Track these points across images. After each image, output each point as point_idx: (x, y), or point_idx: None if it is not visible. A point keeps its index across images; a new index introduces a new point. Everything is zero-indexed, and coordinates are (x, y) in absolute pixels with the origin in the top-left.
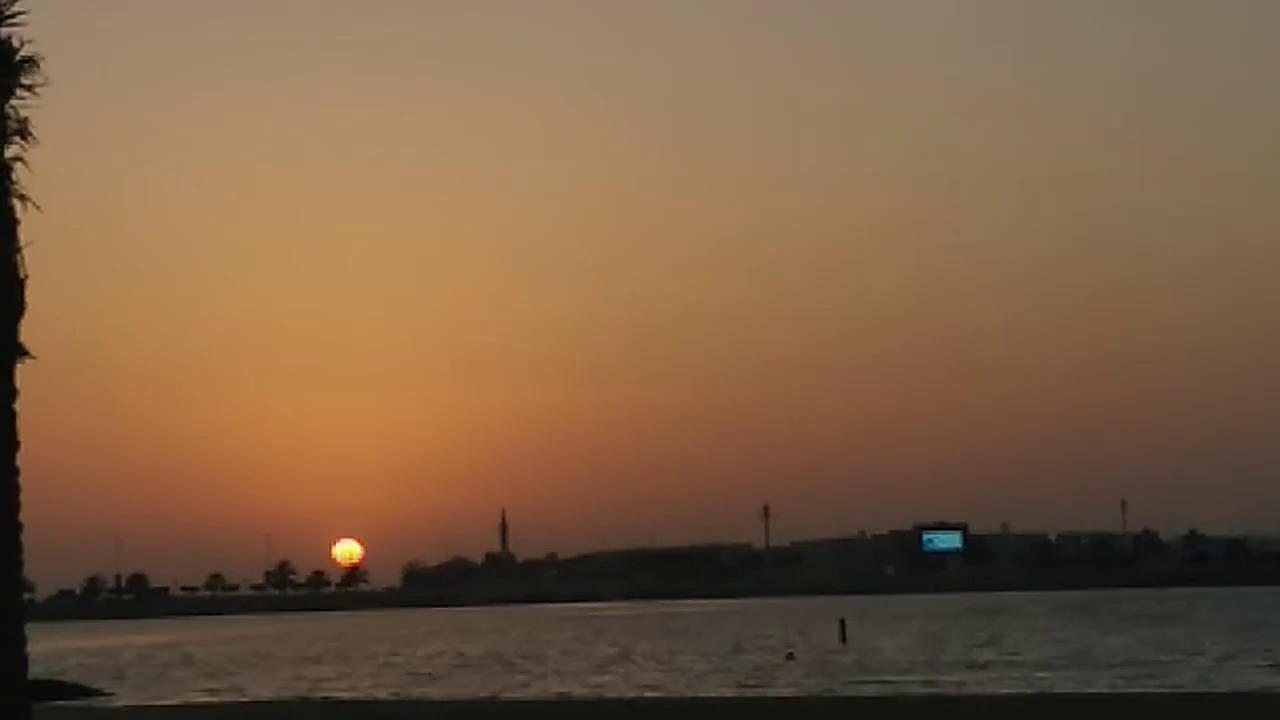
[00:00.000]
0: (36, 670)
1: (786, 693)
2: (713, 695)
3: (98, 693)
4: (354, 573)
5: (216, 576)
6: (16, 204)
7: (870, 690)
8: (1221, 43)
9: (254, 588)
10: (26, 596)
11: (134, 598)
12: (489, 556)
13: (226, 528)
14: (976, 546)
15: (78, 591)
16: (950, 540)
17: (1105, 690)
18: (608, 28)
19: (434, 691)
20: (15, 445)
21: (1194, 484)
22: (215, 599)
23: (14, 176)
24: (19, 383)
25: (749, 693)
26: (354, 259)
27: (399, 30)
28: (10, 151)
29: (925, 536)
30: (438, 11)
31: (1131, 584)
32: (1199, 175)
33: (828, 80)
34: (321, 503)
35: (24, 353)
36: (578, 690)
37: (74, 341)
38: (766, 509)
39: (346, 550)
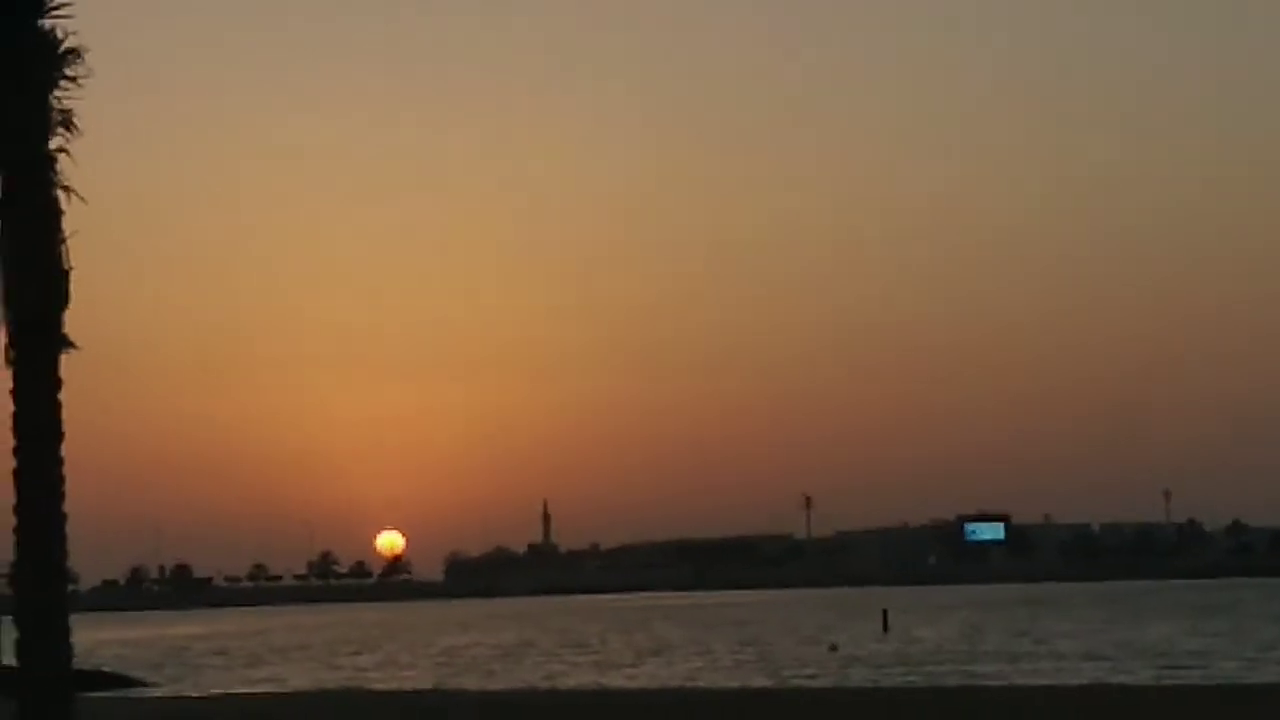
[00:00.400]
0: (80, 660)
1: (829, 684)
2: (754, 685)
3: (140, 683)
4: (396, 563)
5: (259, 567)
6: (60, 195)
7: (912, 682)
8: (1246, 39)
9: (297, 578)
10: (70, 587)
11: (177, 588)
12: (531, 547)
13: (269, 518)
14: (1019, 537)
15: (121, 582)
16: (993, 531)
17: (1142, 682)
18: (648, 32)
19: (470, 683)
20: (59, 436)
21: (1238, 474)
22: (258, 589)
23: (58, 168)
24: (63, 373)
25: (791, 684)
26: (397, 250)
27: (444, 25)
28: (54, 143)
29: (968, 527)
30: (479, 9)
31: (1175, 575)
32: (1242, 166)
33: (855, 70)
34: (364, 493)
35: (69, 344)
36: (617, 681)
37: (117, 333)
38: (809, 499)
39: (389, 541)
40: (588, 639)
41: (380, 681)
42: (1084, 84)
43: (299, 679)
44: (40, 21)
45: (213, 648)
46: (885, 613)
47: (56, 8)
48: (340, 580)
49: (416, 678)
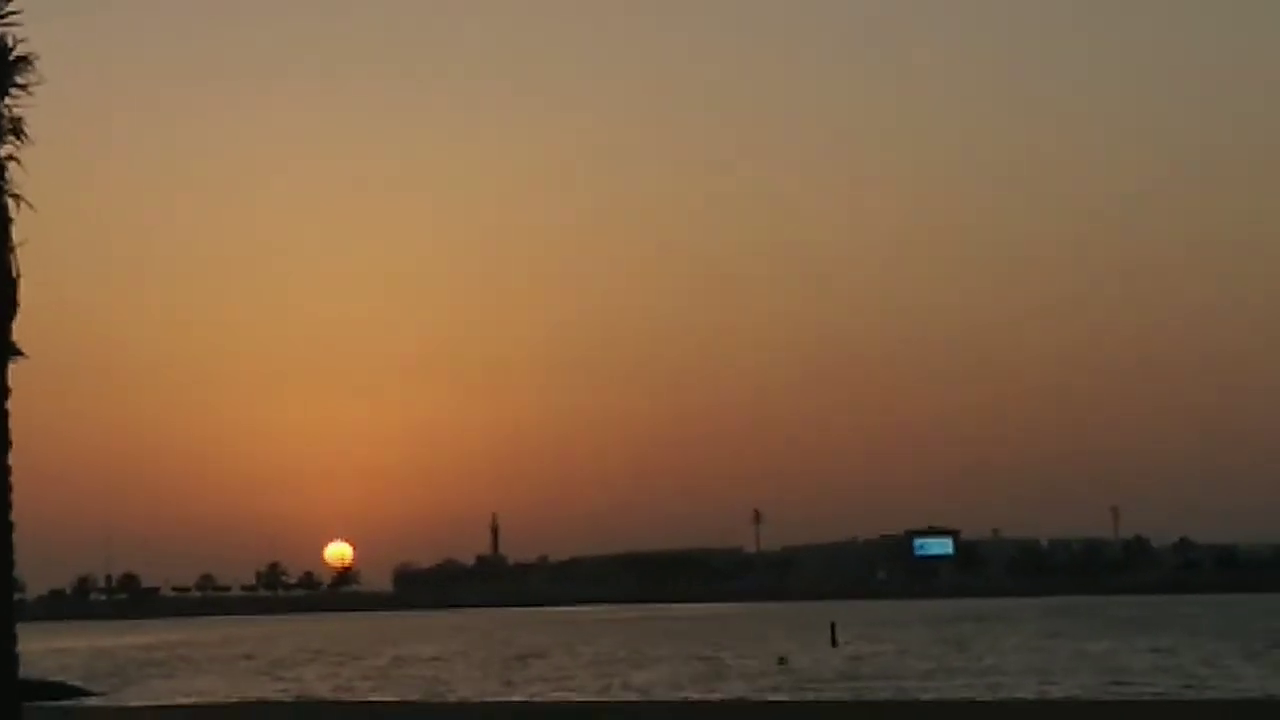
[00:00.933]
0: (27, 670)
1: (779, 697)
2: (704, 699)
3: (88, 692)
4: (345, 574)
5: (207, 577)
6: (10, 203)
7: (859, 695)
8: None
9: (245, 589)
10: (17, 596)
11: (125, 598)
12: (480, 559)
13: (218, 528)
14: (968, 552)
15: (68, 591)
16: (942, 546)
17: (1085, 696)
18: (647, 43)
19: (410, 694)
20: (7, 444)
21: (1185, 492)
22: (206, 599)
23: (7, 175)
24: (11, 382)
25: (741, 696)
26: (348, 265)
27: (417, 33)
28: (4, 150)
29: (917, 542)
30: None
31: (1122, 590)
32: (1189, 179)
33: (841, 83)
34: (313, 504)
35: (16, 352)
36: (572, 695)
37: (67, 341)
38: (758, 513)
39: (338, 552)
40: (539, 651)
41: (324, 692)
42: (1051, 82)
43: (242, 689)
44: None
45: (159, 658)
46: (833, 626)
47: (4, 16)
48: (289, 591)
49: (359, 689)
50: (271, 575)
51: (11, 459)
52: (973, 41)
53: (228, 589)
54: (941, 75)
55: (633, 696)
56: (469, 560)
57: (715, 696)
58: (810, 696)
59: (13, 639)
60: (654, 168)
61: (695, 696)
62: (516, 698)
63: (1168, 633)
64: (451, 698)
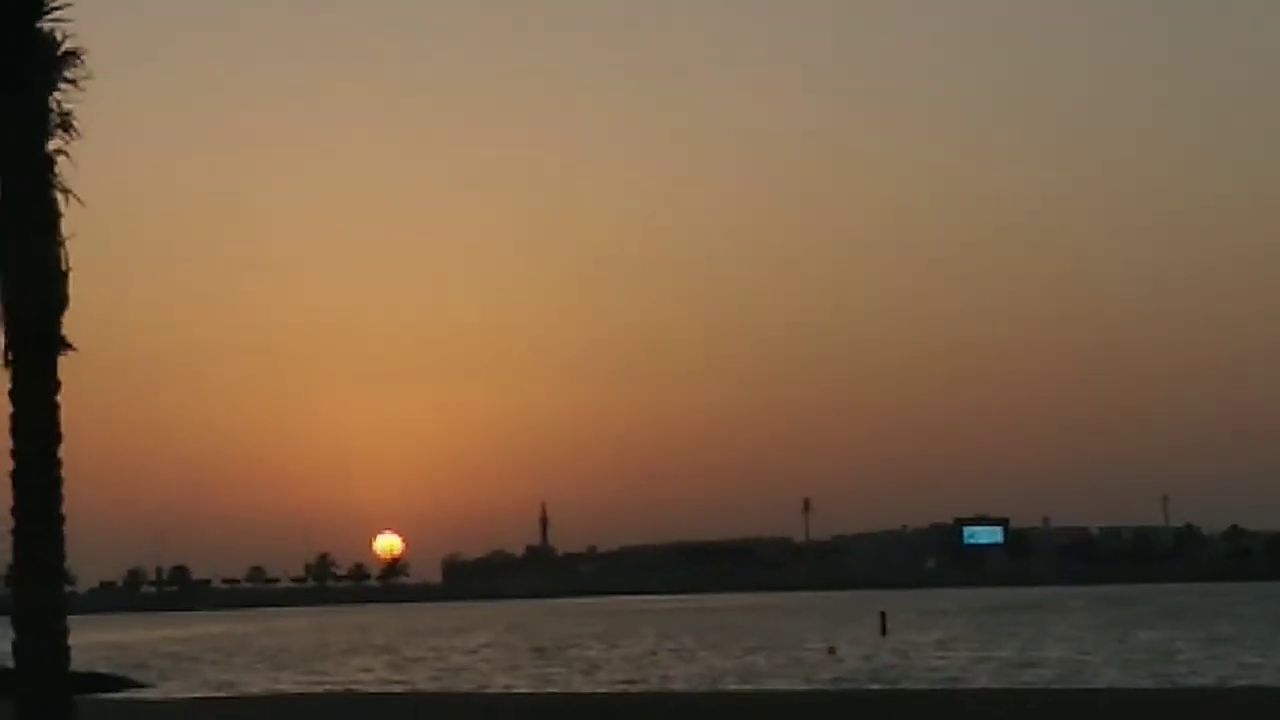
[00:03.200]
0: (78, 662)
1: (827, 686)
2: (753, 689)
3: (138, 684)
4: (394, 566)
5: (257, 569)
6: (60, 198)
7: (908, 685)
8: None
9: (295, 580)
10: (68, 589)
11: (176, 590)
12: (529, 549)
13: (267, 520)
14: (1017, 540)
15: (119, 584)
16: (991, 534)
17: (1129, 686)
18: (654, 52)
19: (465, 684)
20: (58, 438)
21: (1235, 479)
22: (256, 591)
23: (57, 170)
24: (61, 375)
25: (790, 686)
26: (395, 257)
27: (435, 31)
28: (53, 145)
29: (966, 530)
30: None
31: (1173, 579)
32: (1247, 169)
33: (845, 85)
34: (362, 496)
35: (67, 345)
36: (618, 684)
37: (116, 336)
38: (807, 502)
39: (387, 543)
40: (587, 641)
41: (373, 685)
42: (1098, 85)
43: (293, 682)
44: (38, 24)
45: (210, 650)
46: (883, 616)
47: (54, 9)
48: (338, 583)
49: (409, 680)
50: (321, 567)
51: (62, 452)
52: (973, 47)
53: (277, 581)
54: (944, 69)
55: (662, 687)
56: (518, 551)
57: (764, 685)
58: (858, 686)
59: (64, 632)
60: (711, 169)
61: (740, 687)
62: (527, 689)
63: (1219, 621)
64: (466, 688)
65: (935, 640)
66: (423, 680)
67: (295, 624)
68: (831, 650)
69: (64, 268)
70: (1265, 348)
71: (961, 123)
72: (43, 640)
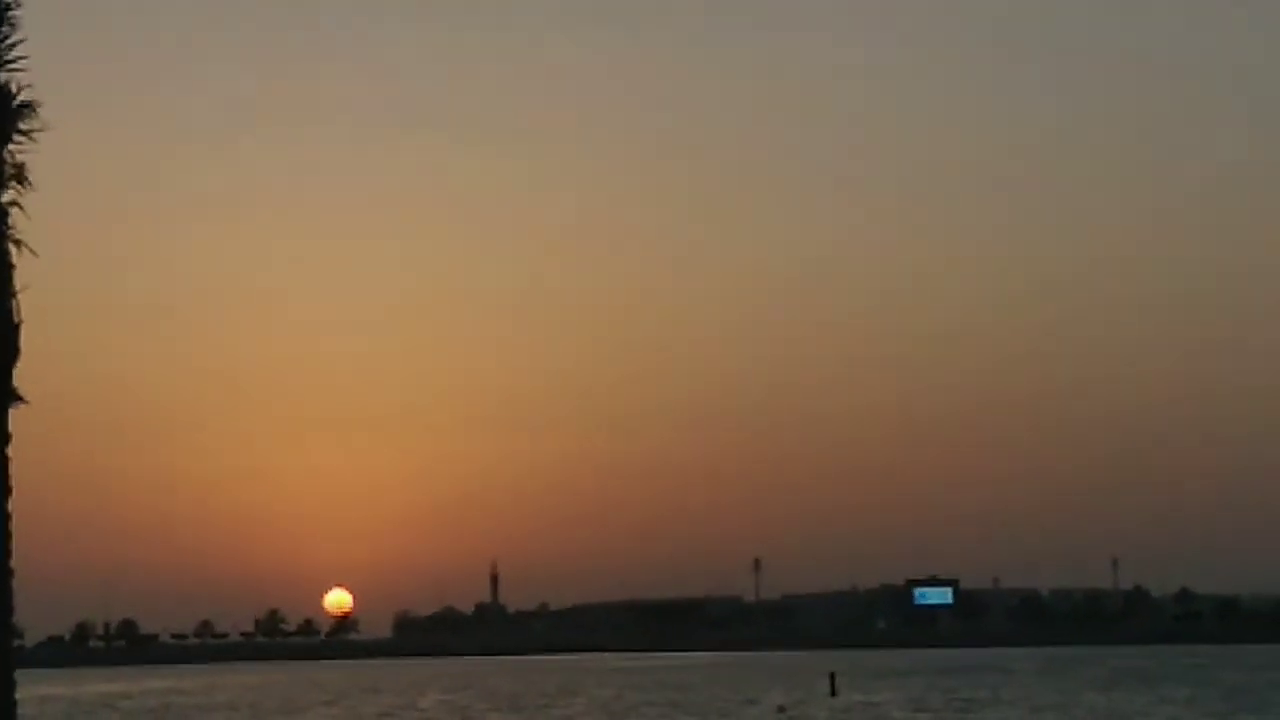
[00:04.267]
0: (24, 717)
1: None
2: None
3: None
4: (344, 622)
5: (206, 624)
6: (12, 249)
7: None
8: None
9: (244, 635)
10: (15, 643)
11: (123, 644)
12: (480, 606)
13: (217, 574)
14: (968, 601)
15: (67, 638)
16: (941, 595)
17: None
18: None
19: None
20: (8, 490)
21: (1185, 542)
22: (205, 646)
23: (10, 221)
24: (11, 428)
25: None
26: (345, 307)
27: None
28: (7, 196)
29: (917, 591)
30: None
31: (1123, 641)
32: (1190, 223)
33: (825, 107)
34: (312, 551)
35: (18, 398)
36: None
37: (66, 387)
38: (757, 561)
39: (337, 599)
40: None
41: None
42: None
43: None
44: None
45: (156, 705)
46: (833, 676)
47: (10, 62)
48: (288, 638)
49: None
50: (270, 622)
51: (12, 505)
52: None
53: (226, 636)
54: (941, 80)
55: None
56: (468, 608)
57: None
58: None
59: (12, 685)
60: (655, 213)
61: None
62: None
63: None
64: None
65: (885, 701)
66: None
67: (244, 680)
68: (781, 709)
69: (16, 319)
70: (1215, 411)
71: (900, 159)
72: None
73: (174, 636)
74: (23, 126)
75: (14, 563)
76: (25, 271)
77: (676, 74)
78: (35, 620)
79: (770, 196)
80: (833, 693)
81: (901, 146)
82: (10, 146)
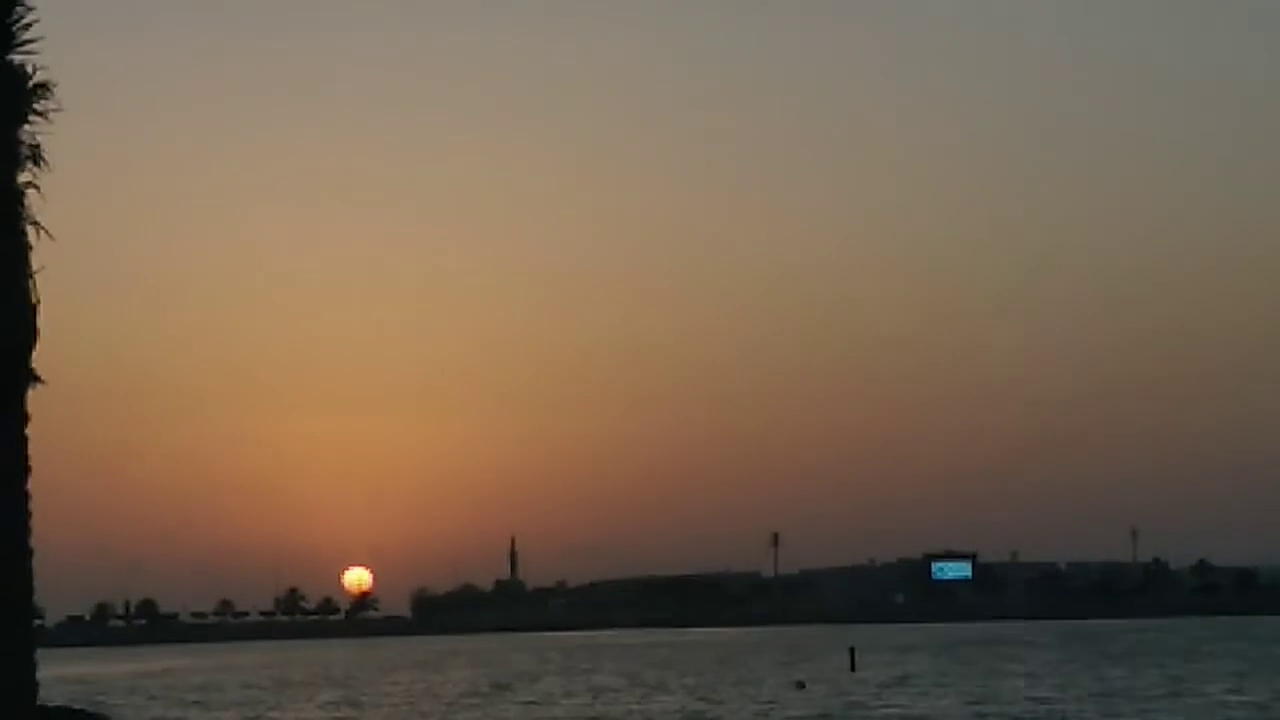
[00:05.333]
0: (46, 695)
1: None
2: None
3: (106, 719)
4: (364, 600)
5: (226, 603)
6: (30, 230)
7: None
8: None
9: (263, 614)
10: (36, 623)
11: (144, 624)
12: (498, 584)
13: (236, 554)
14: (986, 575)
15: (88, 617)
16: (960, 569)
17: None
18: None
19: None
20: (27, 470)
21: (1204, 514)
22: (224, 625)
23: (26, 203)
24: (30, 408)
25: None
26: (363, 284)
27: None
28: (23, 178)
29: (935, 565)
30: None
31: (1141, 614)
32: (1213, 199)
33: (821, 102)
34: (331, 529)
35: (36, 378)
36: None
37: (86, 368)
38: (776, 536)
39: (356, 577)
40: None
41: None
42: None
43: (261, 715)
44: (8, 56)
45: (178, 684)
46: (853, 650)
47: (24, 43)
48: (307, 616)
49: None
50: (290, 601)
51: (31, 485)
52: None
53: (246, 614)
54: (954, 72)
55: None
56: (487, 585)
57: None
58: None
59: (33, 665)
60: (671, 190)
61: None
62: None
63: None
64: None
65: (905, 676)
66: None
67: (267, 657)
68: (800, 684)
69: (34, 300)
70: (1236, 381)
71: (919, 129)
72: (11, 674)
73: (194, 615)
74: (38, 108)
75: (33, 542)
76: (41, 252)
77: (697, 55)
78: (56, 600)
79: (789, 179)
80: (852, 668)
81: (925, 127)
82: (25, 127)
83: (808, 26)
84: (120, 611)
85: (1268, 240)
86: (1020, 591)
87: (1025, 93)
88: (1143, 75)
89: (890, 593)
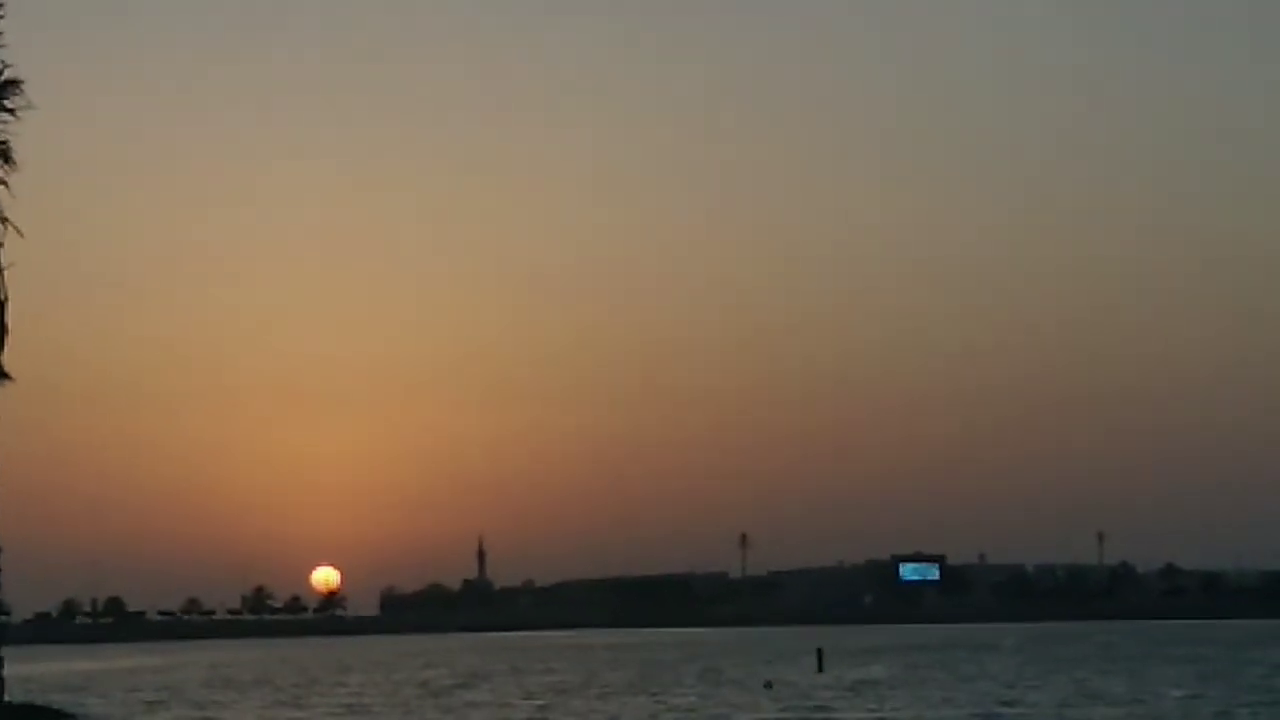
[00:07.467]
0: (12, 693)
1: None
2: None
3: (72, 716)
4: (331, 599)
5: (193, 601)
6: None
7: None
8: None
9: (230, 613)
10: (2, 619)
11: (110, 621)
12: (466, 583)
13: (204, 552)
14: (954, 577)
15: (54, 615)
16: (927, 571)
17: None
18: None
19: None
20: None
21: (1171, 517)
22: (192, 623)
23: None
24: None
25: None
26: (332, 284)
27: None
28: None
29: (903, 567)
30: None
31: (1107, 616)
32: (1184, 215)
33: (797, 97)
34: (299, 528)
35: (4, 375)
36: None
37: (52, 363)
38: (744, 537)
39: (324, 576)
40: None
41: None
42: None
43: (224, 715)
44: None
45: (143, 682)
46: (820, 652)
47: None
48: (274, 615)
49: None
50: (257, 599)
51: None
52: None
53: (213, 613)
54: (955, 82)
55: None
56: (455, 584)
57: None
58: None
59: None
60: (651, 191)
61: None
62: None
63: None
64: None
65: (872, 678)
66: None
67: (233, 656)
68: (768, 685)
69: (2, 297)
70: (1203, 386)
71: (911, 140)
72: None
73: (161, 613)
74: (7, 105)
75: (1, 540)
76: (10, 250)
77: (682, 52)
78: (22, 597)
79: (768, 177)
80: (819, 668)
81: (919, 126)
82: None
83: (808, 27)
84: (87, 609)
85: (1235, 252)
86: (987, 593)
87: (1021, 98)
88: (1143, 76)
89: (858, 594)
